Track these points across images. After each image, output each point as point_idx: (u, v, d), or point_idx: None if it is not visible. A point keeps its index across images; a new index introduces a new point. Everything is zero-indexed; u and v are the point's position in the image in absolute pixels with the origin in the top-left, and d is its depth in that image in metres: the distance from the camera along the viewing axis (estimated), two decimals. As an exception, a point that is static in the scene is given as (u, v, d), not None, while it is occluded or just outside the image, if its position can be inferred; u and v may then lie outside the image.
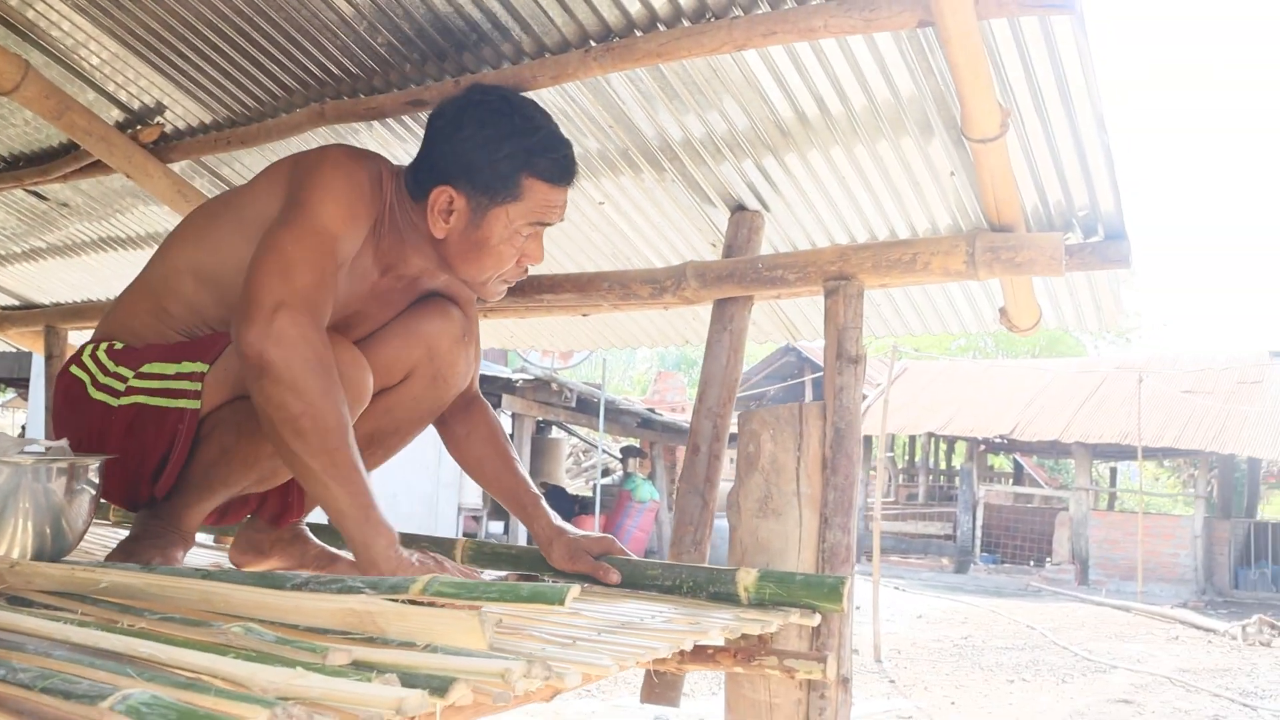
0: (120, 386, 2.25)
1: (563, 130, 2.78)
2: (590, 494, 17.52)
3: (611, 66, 2.41)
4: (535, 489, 2.51)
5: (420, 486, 14.98)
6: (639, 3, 2.35)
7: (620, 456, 19.70)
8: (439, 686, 1.20)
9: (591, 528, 16.49)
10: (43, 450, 2.13)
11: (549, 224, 2.26)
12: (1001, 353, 36.36)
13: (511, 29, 2.52)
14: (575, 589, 1.60)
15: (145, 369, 2.24)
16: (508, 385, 16.32)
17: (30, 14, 3.05)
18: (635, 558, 2.37)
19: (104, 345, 2.32)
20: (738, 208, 2.92)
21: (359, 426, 2.28)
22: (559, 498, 18.02)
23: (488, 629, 1.34)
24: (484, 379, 15.78)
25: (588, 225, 3.22)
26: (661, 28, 2.37)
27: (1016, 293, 2.67)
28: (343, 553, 2.51)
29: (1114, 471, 28.34)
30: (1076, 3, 1.98)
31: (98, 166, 3.51)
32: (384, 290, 2.36)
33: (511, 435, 17.77)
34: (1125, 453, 21.27)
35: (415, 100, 2.68)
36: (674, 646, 1.77)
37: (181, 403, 2.19)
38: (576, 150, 2.90)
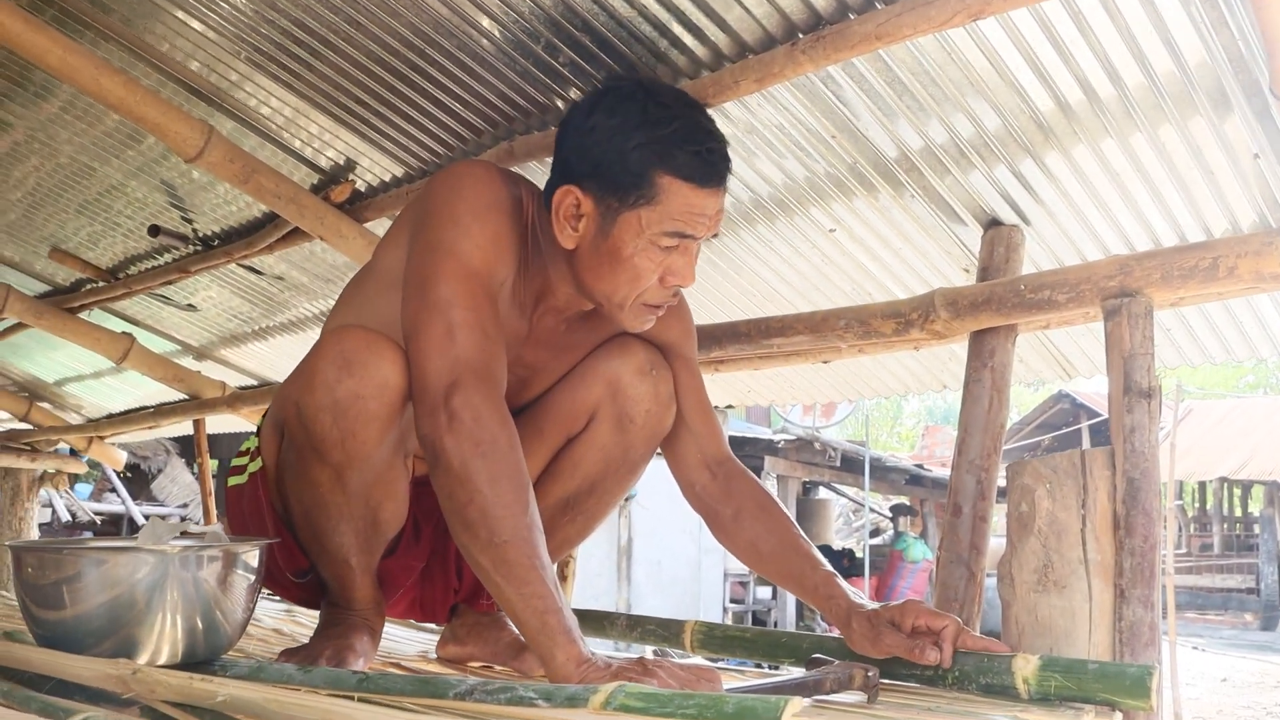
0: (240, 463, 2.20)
1: (778, 148, 2.45)
2: (860, 552, 17.01)
3: (823, 59, 2.04)
4: (826, 565, 2.06)
5: (684, 552, 14.83)
6: (851, -21, 1.99)
7: (890, 515, 19.13)
8: None
9: (862, 589, 15.93)
10: (195, 536, 1.92)
11: (695, 236, 1.88)
12: (1297, 388, 33.92)
13: (705, 29, 2.19)
14: (798, 703, 1.24)
15: (243, 447, 2.15)
16: (770, 446, 16.02)
17: (213, 78, 2.94)
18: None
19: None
20: (991, 223, 2.51)
21: (550, 492, 2.11)
22: (826, 554, 17.54)
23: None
24: (745, 441, 15.68)
25: (819, 257, 2.86)
26: (880, 6, 1.99)
27: (1349, 301, 2.17)
28: None
29: None
30: None
31: (298, 234, 3.38)
32: (545, 331, 2.07)
33: (777, 498, 17.46)
34: None
35: (607, 122, 2.39)
36: (934, 765, 1.39)
37: (251, 468, 2.09)
38: (799, 173, 2.57)
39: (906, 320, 2.40)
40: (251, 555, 1.87)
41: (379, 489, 1.96)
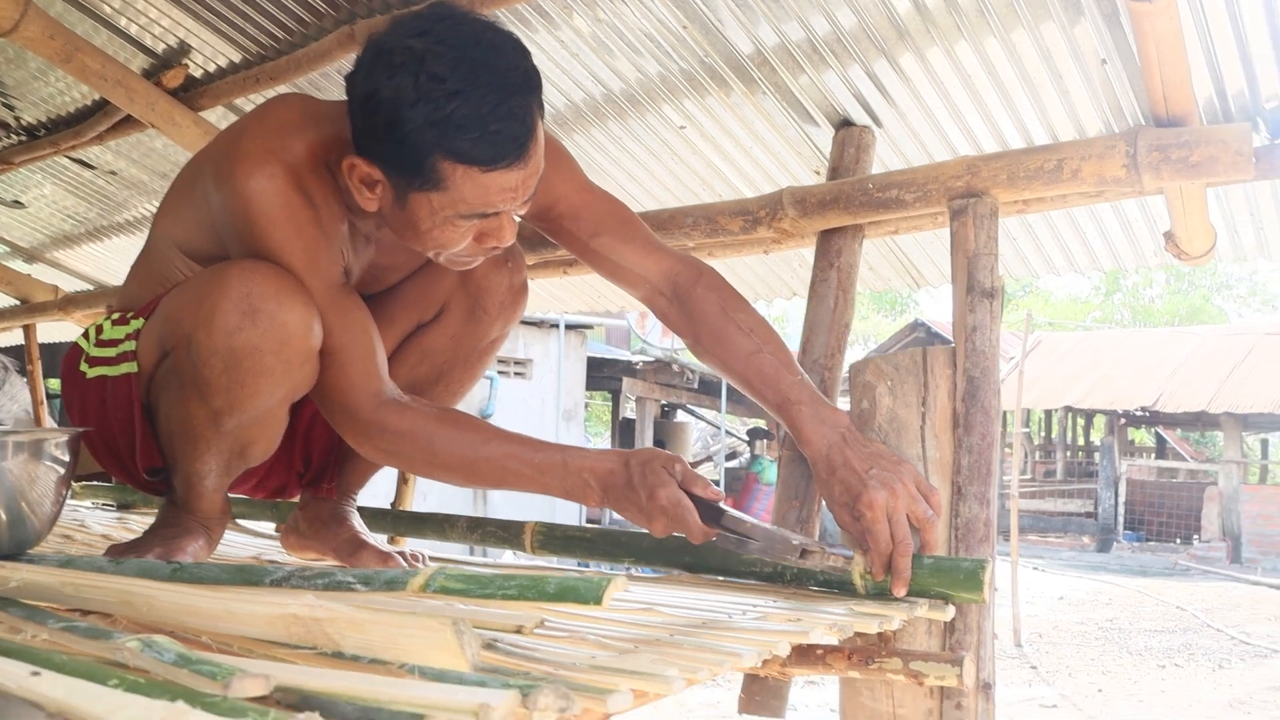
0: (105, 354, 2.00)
1: (631, 40, 2.37)
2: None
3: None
4: (791, 393, 1.84)
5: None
6: None
7: (747, 439, 19.31)
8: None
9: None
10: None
11: (499, 213, 1.70)
12: (1140, 324, 35.10)
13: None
14: (620, 582, 1.21)
15: (107, 335, 1.95)
16: (628, 368, 16.03)
17: (37, -54, 2.75)
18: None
19: (113, 316, 2.03)
20: (843, 124, 2.47)
21: (396, 377, 1.99)
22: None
23: (468, 643, 0.94)
24: (604, 363, 15.64)
25: (668, 154, 2.80)
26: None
27: (1187, 208, 2.18)
28: (375, 542, 2.19)
29: (1265, 444, 27.07)
30: None
31: (130, 123, 3.19)
32: (390, 237, 1.94)
33: (633, 421, 17.55)
34: (1278, 423, 20.21)
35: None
36: (763, 652, 1.37)
37: (124, 367, 1.92)
38: (652, 68, 2.50)
39: (754, 218, 2.36)
40: (59, 446, 1.77)
41: (255, 431, 1.88)
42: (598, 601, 1.17)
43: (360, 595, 1.29)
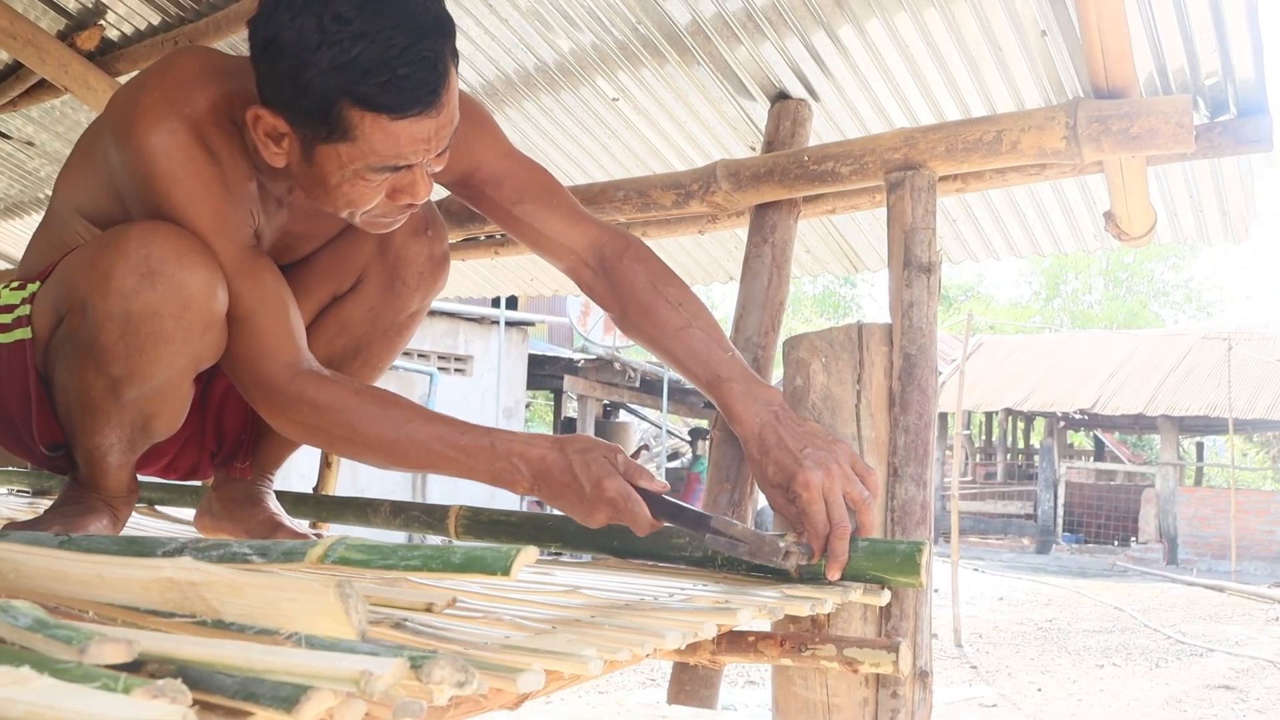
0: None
1: (564, 12, 2.30)
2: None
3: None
4: (720, 369, 1.78)
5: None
6: None
7: (689, 439, 19.27)
8: (244, 694, 0.73)
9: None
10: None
11: (410, 165, 1.61)
12: (1079, 329, 35.47)
13: None
14: (529, 553, 1.13)
15: (3, 302, 1.84)
16: (569, 366, 15.93)
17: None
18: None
19: (12, 284, 1.91)
20: (779, 97, 2.41)
21: (314, 351, 1.89)
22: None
23: (354, 609, 0.86)
24: (545, 360, 15.52)
25: (600, 128, 2.72)
26: None
27: (1128, 185, 2.14)
28: (292, 525, 2.12)
29: (1200, 446, 27.43)
30: None
31: (46, 88, 3.06)
32: (302, 203, 1.85)
33: (574, 420, 17.44)
34: (1213, 426, 20.50)
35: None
36: (689, 634, 1.30)
37: (17, 334, 1.81)
38: (585, 39, 2.43)
39: (687, 192, 2.29)
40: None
41: (157, 402, 1.77)
42: (505, 572, 1.09)
43: (258, 566, 1.21)
